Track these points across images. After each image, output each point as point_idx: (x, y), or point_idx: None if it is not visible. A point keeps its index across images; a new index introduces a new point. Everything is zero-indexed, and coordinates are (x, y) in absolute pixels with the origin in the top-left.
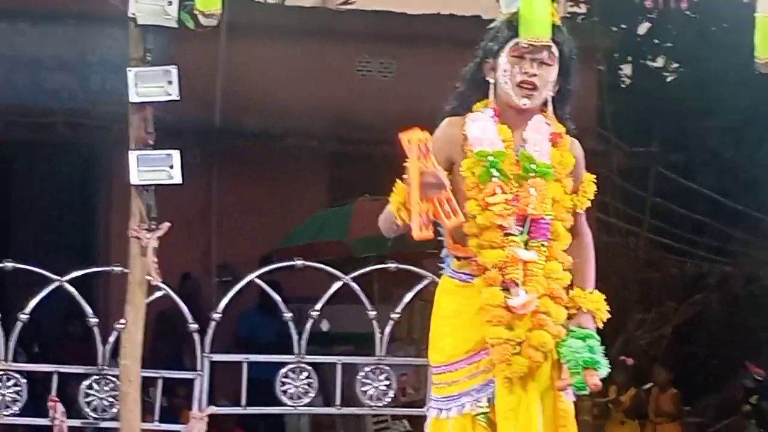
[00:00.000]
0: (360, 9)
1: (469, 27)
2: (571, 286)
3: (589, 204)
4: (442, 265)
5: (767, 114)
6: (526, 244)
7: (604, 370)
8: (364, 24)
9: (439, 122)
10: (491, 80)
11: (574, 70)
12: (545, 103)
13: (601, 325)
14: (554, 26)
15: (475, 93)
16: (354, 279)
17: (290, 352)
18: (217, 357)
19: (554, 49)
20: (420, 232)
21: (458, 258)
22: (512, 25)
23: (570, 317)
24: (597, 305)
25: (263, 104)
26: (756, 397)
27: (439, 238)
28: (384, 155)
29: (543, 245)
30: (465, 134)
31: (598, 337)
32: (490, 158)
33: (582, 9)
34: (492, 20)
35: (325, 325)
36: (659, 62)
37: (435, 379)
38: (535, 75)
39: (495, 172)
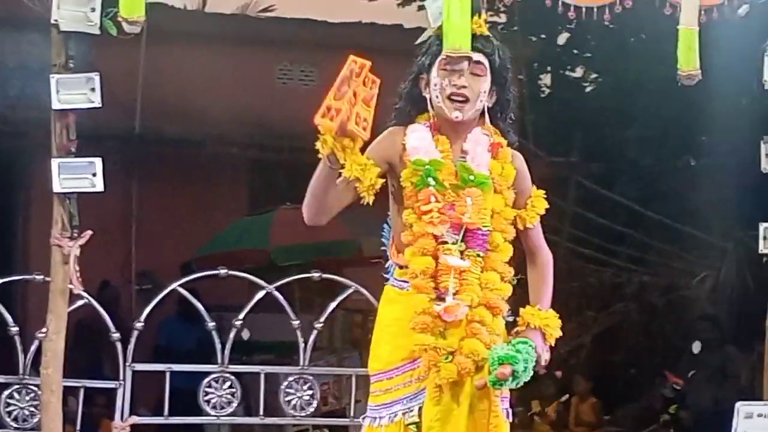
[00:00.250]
0: (281, 17)
1: (391, 35)
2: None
3: (537, 219)
4: (386, 275)
5: (685, 124)
6: (462, 253)
7: (522, 370)
8: (285, 31)
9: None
10: (426, 95)
11: (509, 81)
12: (484, 114)
13: (552, 343)
14: (483, 36)
15: (414, 108)
16: (277, 288)
17: (211, 360)
18: (140, 366)
19: (483, 60)
20: (320, 118)
21: (400, 266)
22: (441, 39)
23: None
24: (547, 322)
25: (183, 111)
26: (675, 407)
27: (383, 248)
28: (305, 163)
29: (479, 255)
30: (404, 144)
31: (533, 346)
32: (427, 167)
33: (502, 19)
34: (414, 29)
35: (245, 334)
36: (578, 72)
37: (372, 387)
38: (464, 87)
39: (431, 181)
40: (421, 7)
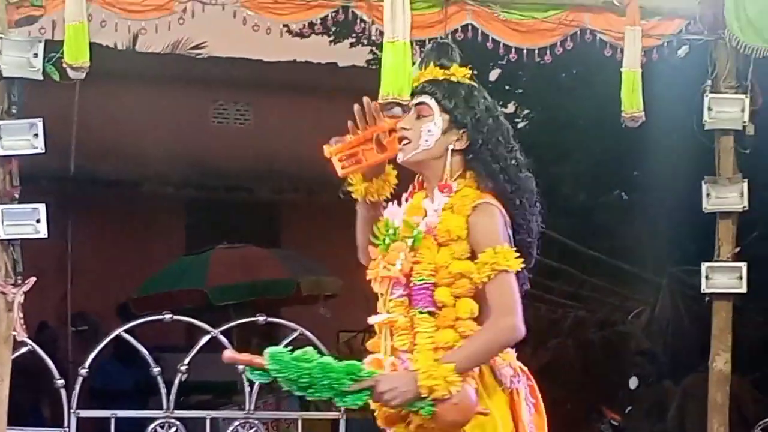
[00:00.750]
0: (216, 56)
1: (326, 74)
2: None
3: (485, 279)
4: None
5: (617, 160)
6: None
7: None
8: (220, 70)
9: None
10: None
11: (480, 122)
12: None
13: (425, 393)
14: (431, 81)
15: None
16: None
17: (149, 403)
18: (85, 413)
19: (428, 101)
20: (341, 170)
21: None
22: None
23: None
24: (432, 374)
25: (119, 151)
26: None
27: None
28: (241, 202)
29: (430, 312)
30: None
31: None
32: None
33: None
34: (348, 68)
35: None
36: (510, 108)
37: None
38: (405, 129)
39: (375, 240)
40: (353, 44)
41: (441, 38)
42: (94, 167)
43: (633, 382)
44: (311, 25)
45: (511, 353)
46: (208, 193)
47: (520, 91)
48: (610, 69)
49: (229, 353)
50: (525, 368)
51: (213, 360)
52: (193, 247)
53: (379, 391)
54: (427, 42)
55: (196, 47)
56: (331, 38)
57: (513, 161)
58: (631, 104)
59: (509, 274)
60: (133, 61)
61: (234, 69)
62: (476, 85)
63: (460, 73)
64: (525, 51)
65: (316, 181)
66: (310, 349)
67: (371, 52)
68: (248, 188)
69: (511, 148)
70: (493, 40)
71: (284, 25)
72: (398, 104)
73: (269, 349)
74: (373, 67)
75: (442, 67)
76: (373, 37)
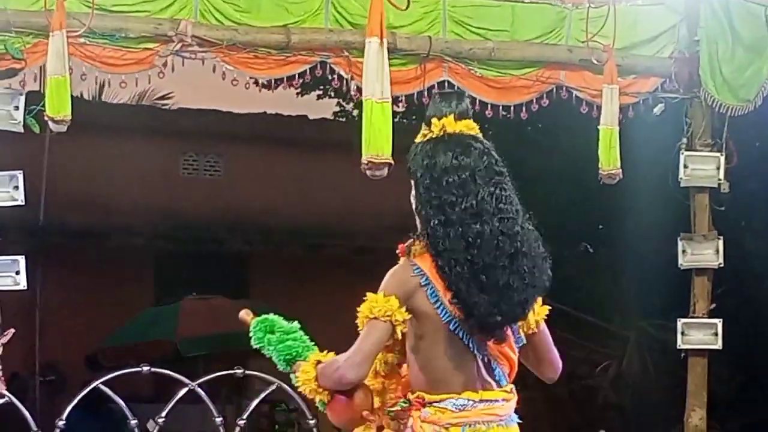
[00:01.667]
0: (186, 107)
1: (296, 126)
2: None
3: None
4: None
5: (581, 213)
6: None
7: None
8: (190, 122)
9: None
10: None
11: (416, 181)
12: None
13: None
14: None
15: None
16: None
17: None
18: None
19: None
20: None
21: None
22: None
23: None
24: (303, 370)
25: (88, 203)
26: None
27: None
28: (210, 254)
29: None
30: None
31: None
32: None
33: (400, 108)
34: (318, 120)
35: (151, 426)
36: None
37: None
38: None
39: None
40: (320, 96)
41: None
42: (63, 218)
43: None
44: (278, 80)
45: (423, 414)
46: (177, 244)
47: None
48: (578, 124)
49: (242, 312)
50: (430, 430)
51: (183, 411)
52: (162, 297)
53: (294, 371)
54: (403, 98)
55: (162, 98)
56: (298, 90)
57: (436, 219)
58: (609, 161)
59: (372, 321)
60: (103, 112)
61: (204, 120)
62: (432, 139)
63: (436, 128)
64: (501, 107)
65: (285, 233)
66: (295, 323)
67: (338, 104)
68: (218, 240)
69: (439, 201)
70: (469, 96)
71: (251, 77)
72: (388, 164)
73: (257, 318)
74: (342, 119)
75: (427, 124)
76: (352, 93)
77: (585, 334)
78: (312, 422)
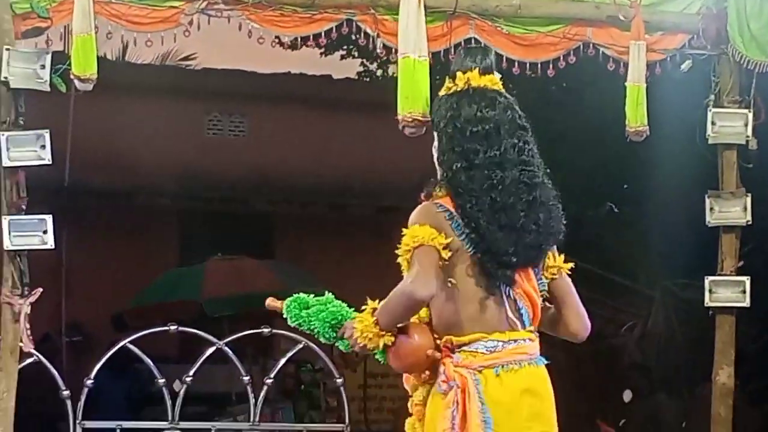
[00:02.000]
0: (211, 68)
1: (320, 86)
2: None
3: (405, 257)
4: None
5: (607, 171)
6: None
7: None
8: (215, 82)
9: None
10: None
11: (437, 131)
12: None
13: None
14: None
15: None
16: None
17: (141, 412)
18: (90, 424)
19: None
20: None
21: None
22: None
23: None
24: (360, 320)
25: (113, 163)
26: None
27: None
28: (235, 214)
29: None
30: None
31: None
32: None
33: None
34: (342, 80)
35: (177, 386)
36: None
37: None
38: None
39: None
40: (344, 56)
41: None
42: (89, 179)
43: (627, 395)
44: (304, 38)
45: (455, 359)
46: (202, 204)
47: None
48: (603, 83)
49: (269, 301)
50: (469, 375)
51: (208, 372)
52: (187, 258)
53: (341, 334)
54: (429, 56)
55: (185, 58)
56: (322, 50)
57: (458, 164)
58: (636, 118)
59: (420, 248)
60: (127, 72)
61: (228, 81)
62: (457, 92)
63: (461, 82)
64: (528, 65)
65: (309, 193)
66: (329, 295)
67: (362, 64)
68: (242, 200)
69: (462, 149)
70: (496, 54)
71: (275, 37)
72: (425, 122)
73: (287, 300)
74: (366, 79)
75: (452, 77)
76: (378, 51)
77: (610, 294)
78: (339, 381)
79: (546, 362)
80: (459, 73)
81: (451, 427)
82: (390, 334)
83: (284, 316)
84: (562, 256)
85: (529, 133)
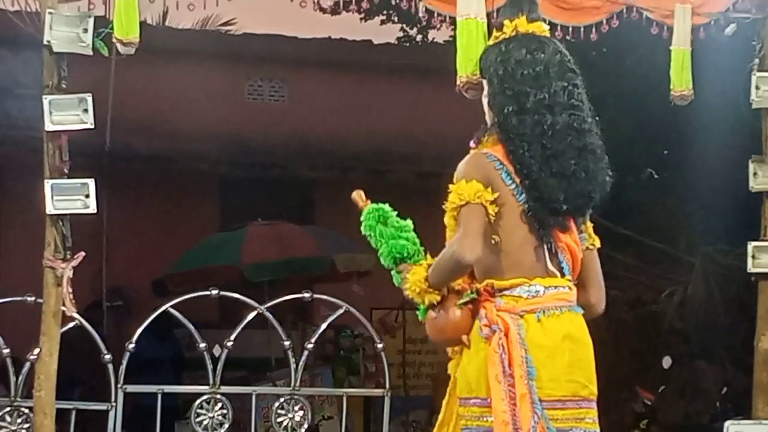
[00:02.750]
0: (251, 33)
1: (360, 51)
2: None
3: (453, 215)
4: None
5: (647, 138)
6: None
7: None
8: (255, 47)
9: None
10: None
11: (489, 79)
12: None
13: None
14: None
15: None
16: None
17: (180, 376)
18: (132, 388)
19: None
20: None
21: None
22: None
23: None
24: (414, 272)
25: (153, 128)
26: (645, 422)
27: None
28: (275, 179)
29: None
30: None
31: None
32: None
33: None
34: (383, 44)
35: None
36: None
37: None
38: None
39: None
40: (384, 21)
41: None
42: (129, 143)
43: (666, 362)
44: (345, 3)
45: (498, 303)
46: (242, 170)
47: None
48: (644, 47)
49: (355, 193)
50: (511, 320)
51: (248, 337)
52: (227, 223)
53: (399, 269)
54: None
55: (225, 24)
56: (362, 15)
57: (510, 108)
58: (681, 82)
59: (466, 206)
60: (168, 38)
61: (269, 46)
62: (505, 38)
63: (509, 29)
64: (571, 29)
65: (350, 158)
66: (409, 222)
67: (401, 29)
68: (282, 165)
69: (513, 92)
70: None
71: (317, 2)
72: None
73: (370, 206)
74: (405, 44)
75: (498, 28)
76: (420, 14)
77: (650, 260)
78: (379, 346)
79: (582, 312)
80: (506, 21)
81: (502, 371)
82: (437, 293)
83: (360, 218)
84: (591, 227)
85: (579, 76)
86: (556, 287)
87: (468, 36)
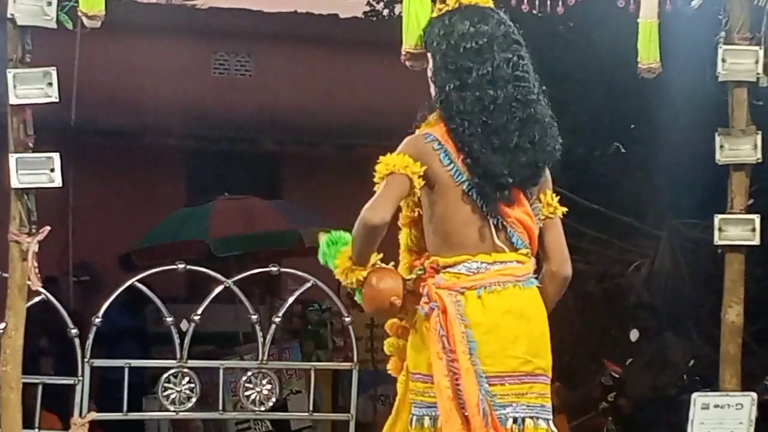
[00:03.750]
0: (216, 6)
1: (327, 25)
2: None
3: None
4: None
5: (616, 112)
6: None
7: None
8: (221, 21)
9: None
10: None
11: (432, 53)
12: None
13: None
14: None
15: None
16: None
17: (151, 351)
18: (99, 362)
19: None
20: None
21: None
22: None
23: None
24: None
25: (119, 102)
26: (613, 395)
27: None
28: (242, 153)
29: None
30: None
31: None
32: None
33: None
34: (350, 19)
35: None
36: None
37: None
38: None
39: None
40: None
41: None
42: (95, 118)
43: (634, 335)
44: None
45: (438, 280)
46: (209, 144)
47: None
48: (612, 21)
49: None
50: (448, 297)
51: (216, 311)
52: (194, 198)
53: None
54: None
55: None
56: None
57: (451, 84)
58: (648, 55)
59: (390, 176)
60: (134, 11)
61: (234, 20)
62: (448, 11)
63: (452, 1)
64: (537, 2)
65: (317, 133)
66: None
67: (368, 4)
68: (249, 139)
69: (455, 67)
70: None
71: None
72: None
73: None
74: (372, 18)
75: (442, 0)
76: None
77: (617, 233)
78: (347, 320)
79: (537, 284)
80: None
81: (442, 347)
82: (361, 269)
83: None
84: (557, 198)
85: (524, 48)
86: (502, 262)
87: (413, 6)
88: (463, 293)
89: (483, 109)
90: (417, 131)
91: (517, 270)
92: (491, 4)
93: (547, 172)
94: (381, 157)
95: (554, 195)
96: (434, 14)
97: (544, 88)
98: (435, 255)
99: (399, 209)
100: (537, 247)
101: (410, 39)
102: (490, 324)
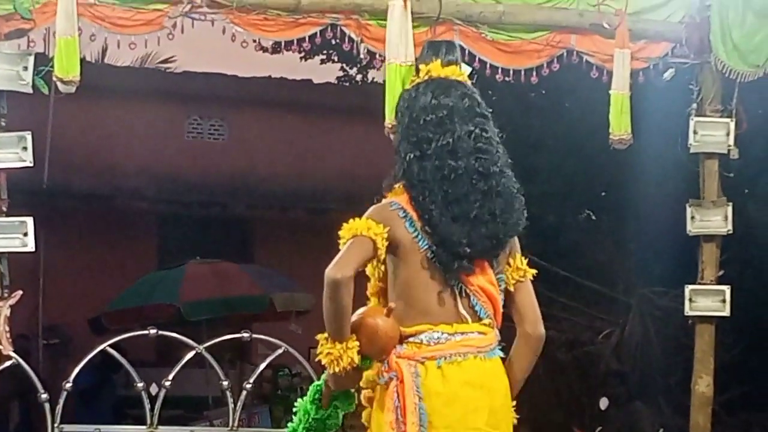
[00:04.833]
0: (191, 71)
1: (300, 90)
2: None
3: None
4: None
5: (587, 180)
6: None
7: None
8: (195, 86)
9: None
10: None
11: (398, 126)
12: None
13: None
14: None
15: None
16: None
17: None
18: (69, 428)
19: None
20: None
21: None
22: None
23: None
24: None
25: (92, 165)
26: None
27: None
28: (214, 217)
29: None
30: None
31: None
32: None
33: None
34: (323, 84)
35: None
36: None
37: None
38: None
39: None
40: (324, 61)
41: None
42: (68, 181)
43: (603, 403)
44: (287, 42)
45: (399, 350)
46: (181, 207)
47: (490, 110)
48: (583, 90)
49: None
50: (407, 367)
51: (186, 375)
52: (166, 261)
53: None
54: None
55: (164, 61)
56: (302, 55)
57: (412, 154)
58: (620, 126)
59: (353, 238)
60: (108, 75)
61: (209, 84)
62: (418, 83)
63: (422, 73)
64: (512, 72)
65: (289, 198)
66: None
67: (342, 69)
68: (222, 204)
69: (416, 138)
70: (479, 60)
71: (254, 41)
72: None
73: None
74: (345, 84)
75: (416, 71)
76: (362, 56)
77: (588, 301)
78: None
79: (501, 356)
80: (422, 66)
81: (395, 419)
82: (348, 339)
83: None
84: (526, 261)
85: (489, 121)
86: (463, 333)
87: (394, 81)
88: (423, 363)
89: (443, 179)
90: (384, 200)
91: (479, 341)
92: (463, 77)
93: (516, 239)
94: (344, 223)
95: (524, 259)
96: (408, 86)
97: (510, 160)
98: (398, 322)
99: (368, 279)
100: (501, 317)
101: (392, 113)
102: (450, 395)
